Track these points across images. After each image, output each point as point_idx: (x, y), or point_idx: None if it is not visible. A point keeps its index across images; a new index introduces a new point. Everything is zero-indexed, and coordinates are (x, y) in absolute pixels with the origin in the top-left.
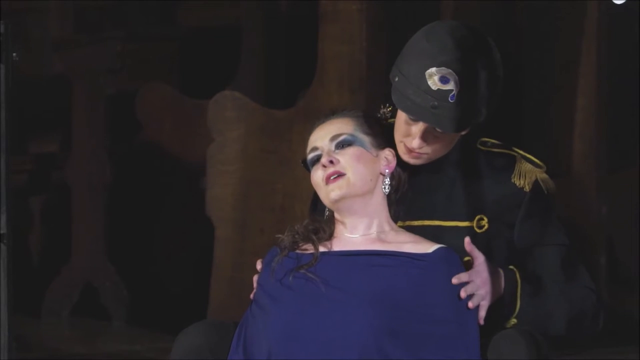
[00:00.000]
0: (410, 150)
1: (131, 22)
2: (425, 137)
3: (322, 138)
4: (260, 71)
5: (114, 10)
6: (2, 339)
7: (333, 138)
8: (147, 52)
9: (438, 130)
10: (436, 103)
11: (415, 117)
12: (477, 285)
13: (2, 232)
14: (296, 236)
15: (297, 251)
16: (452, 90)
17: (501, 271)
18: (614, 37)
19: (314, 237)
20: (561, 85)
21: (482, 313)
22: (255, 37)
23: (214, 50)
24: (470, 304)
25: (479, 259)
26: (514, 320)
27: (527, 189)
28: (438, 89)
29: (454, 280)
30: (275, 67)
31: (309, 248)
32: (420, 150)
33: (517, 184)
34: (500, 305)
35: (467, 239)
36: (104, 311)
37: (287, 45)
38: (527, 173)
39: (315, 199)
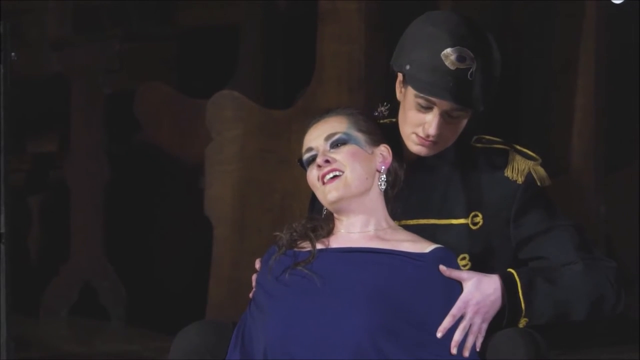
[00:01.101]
0: (424, 139)
1: (130, 22)
2: (441, 122)
3: (316, 138)
4: (258, 71)
5: (112, 9)
6: (1, 338)
7: (328, 137)
8: (145, 51)
9: (454, 115)
10: (457, 82)
11: (440, 99)
12: (469, 317)
13: (0, 231)
14: (294, 234)
15: (295, 249)
16: (470, 68)
17: (498, 278)
18: (612, 37)
19: (311, 235)
20: (560, 85)
21: (479, 343)
22: (254, 37)
23: (212, 49)
24: (466, 353)
25: (465, 282)
26: (525, 320)
27: (519, 181)
28: (456, 68)
29: (439, 335)
30: (274, 67)
31: (307, 246)
32: (435, 138)
33: (511, 178)
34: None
35: (441, 267)
36: (102, 311)
37: (286, 44)
38: (520, 166)
39: (314, 198)
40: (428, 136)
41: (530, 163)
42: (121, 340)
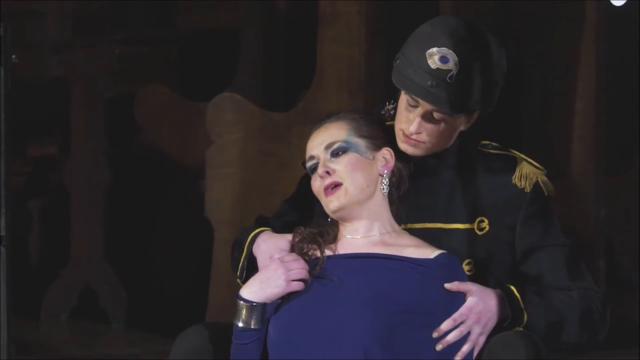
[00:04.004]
0: (408, 138)
1: (130, 25)
2: (423, 122)
3: (317, 146)
4: (259, 73)
5: (112, 13)
6: (1, 341)
7: (328, 146)
8: (145, 54)
9: (435, 116)
10: (434, 82)
11: (412, 94)
12: (469, 324)
13: (1, 234)
14: (304, 240)
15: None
16: (450, 70)
17: (499, 292)
18: (612, 40)
19: (320, 240)
20: (560, 89)
21: (476, 352)
22: (254, 40)
23: (212, 52)
24: (457, 358)
25: (470, 292)
26: (520, 329)
27: (527, 189)
28: (437, 68)
29: (434, 335)
30: (274, 70)
31: (315, 253)
32: (418, 138)
33: (518, 185)
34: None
35: (447, 285)
36: (103, 314)
37: (286, 47)
38: (528, 174)
39: (298, 194)
40: (411, 134)
41: (538, 172)
42: (121, 344)
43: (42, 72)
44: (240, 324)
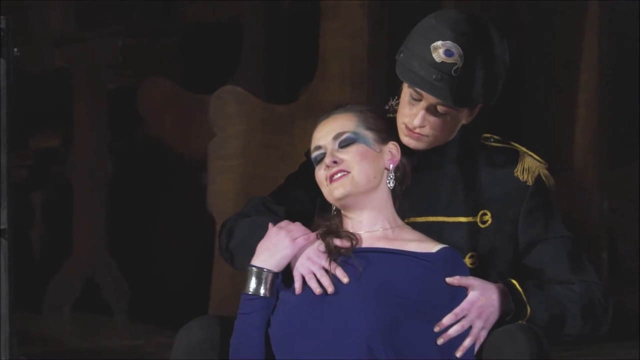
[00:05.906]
0: (411, 131)
1: (132, 17)
2: (426, 115)
3: (325, 136)
4: (261, 66)
5: (115, 5)
6: (3, 334)
7: (336, 137)
8: (148, 47)
9: (439, 110)
10: (439, 76)
11: (417, 87)
12: (470, 318)
13: (3, 227)
14: (329, 235)
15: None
16: (455, 64)
17: (501, 286)
18: (615, 34)
19: (349, 234)
20: (563, 81)
21: (476, 347)
22: (257, 32)
23: (215, 45)
24: (459, 353)
25: (471, 286)
26: (522, 322)
27: (530, 182)
28: (442, 61)
29: (436, 329)
30: (277, 62)
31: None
32: (421, 131)
33: (520, 178)
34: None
35: (448, 279)
36: (105, 306)
37: (289, 40)
38: (531, 167)
39: (286, 186)
40: (414, 128)
41: (540, 165)
42: (124, 336)
43: (44, 64)
44: (251, 291)
